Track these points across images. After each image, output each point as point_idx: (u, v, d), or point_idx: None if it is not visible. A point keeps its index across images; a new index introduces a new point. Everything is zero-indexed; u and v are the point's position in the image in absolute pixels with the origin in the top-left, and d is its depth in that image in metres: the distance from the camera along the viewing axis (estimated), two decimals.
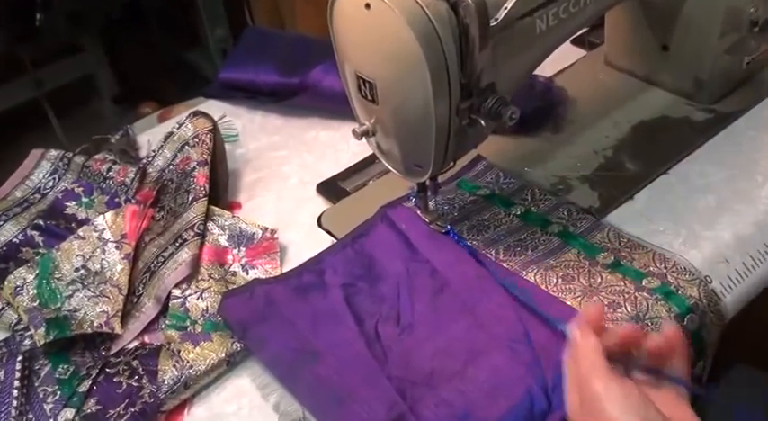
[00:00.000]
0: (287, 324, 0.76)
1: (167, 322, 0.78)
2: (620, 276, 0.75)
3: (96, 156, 0.99)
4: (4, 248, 0.88)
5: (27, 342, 0.79)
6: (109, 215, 0.89)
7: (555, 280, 0.76)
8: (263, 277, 0.83)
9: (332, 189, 0.94)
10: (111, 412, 0.72)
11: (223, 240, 0.87)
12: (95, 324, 0.79)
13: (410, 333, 0.74)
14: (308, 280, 0.80)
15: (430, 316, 0.75)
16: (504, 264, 0.79)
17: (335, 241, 0.86)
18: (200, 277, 0.82)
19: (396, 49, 0.66)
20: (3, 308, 0.83)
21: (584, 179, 0.89)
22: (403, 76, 0.67)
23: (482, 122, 0.70)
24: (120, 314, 0.80)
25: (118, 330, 0.79)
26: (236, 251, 0.86)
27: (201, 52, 2.33)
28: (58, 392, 0.75)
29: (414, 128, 0.70)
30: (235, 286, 0.82)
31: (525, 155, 0.94)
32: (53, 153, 0.98)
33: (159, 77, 2.31)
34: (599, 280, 0.75)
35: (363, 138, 0.75)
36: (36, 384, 0.76)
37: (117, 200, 0.93)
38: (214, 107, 1.10)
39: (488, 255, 0.80)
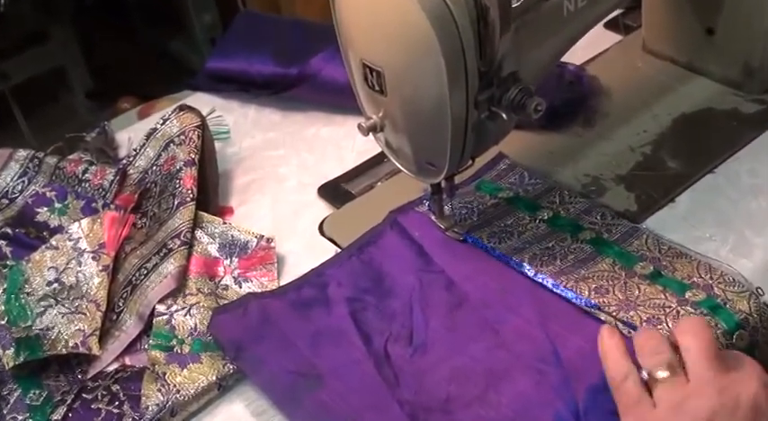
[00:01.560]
0: (285, 343, 0.76)
1: (151, 342, 0.79)
2: (660, 288, 0.76)
3: (70, 157, 1.01)
4: None
5: None
6: (85, 222, 0.90)
7: (587, 292, 0.76)
8: (259, 291, 0.84)
9: (335, 192, 0.95)
10: None
11: (213, 250, 0.88)
12: (71, 344, 0.80)
13: (424, 353, 0.75)
14: (309, 294, 0.81)
15: (446, 334, 0.76)
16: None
17: (339, 251, 0.87)
18: (187, 291, 0.83)
19: (406, 34, 0.67)
20: None
21: (619, 179, 0.90)
22: (414, 64, 0.68)
23: (504, 115, 0.71)
24: (98, 333, 0.81)
25: (96, 351, 0.80)
26: (227, 262, 0.87)
27: (187, 41, 2.35)
28: (30, 420, 0.76)
29: (427, 122, 0.71)
30: (226, 301, 0.83)
31: (553, 152, 0.95)
32: (22, 153, 0.99)
33: (139, 69, 2.33)
34: (636, 292, 0.76)
35: (370, 134, 0.76)
36: (5, 412, 0.77)
37: (94, 205, 0.94)
38: (202, 101, 1.10)
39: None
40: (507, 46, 0.69)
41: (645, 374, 0.62)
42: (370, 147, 0.96)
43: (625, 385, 0.62)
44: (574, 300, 0.75)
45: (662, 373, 0.61)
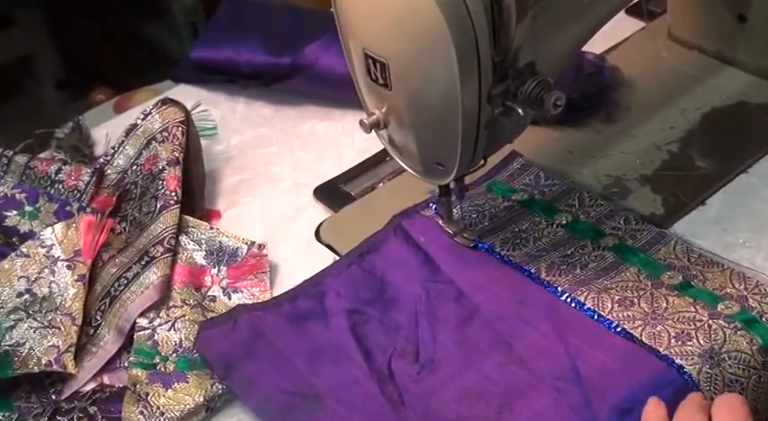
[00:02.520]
0: (280, 360, 0.76)
1: (132, 359, 0.79)
2: (690, 300, 0.76)
3: (42, 155, 1.01)
4: None
5: None
6: (58, 227, 0.90)
7: (610, 305, 0.76)
8: (250, 302, 0.84)
9: (333, 194, 0.96)
10: None
11: (199, 257, 0.88)
12: (44, 361, 0.80)
13: (431, 370, 0.75)
14: (306, 306, 0.81)
15: (455, 349, 0.76)
16: None
17: (338, 258, 0.87)
18: (171, 303, 0.83)
19: (413, 21, 0.66)
20: None
21: (644, 180, 0.90)
22: (422, 55, 0.68)
23: (519, 111, 0.71)
24: (73, 349, 0.81)
25: (71, 369, 0.80)
26: (215, 271, 0.87)
27: (166, 26, 2.34)
28: None
29: (435, 118, 0.71)
30: (214, 314, 0.83)
31: (571, 150, 0.95)
32: None
33: (114, 57, 2.32)
34: (664, 304, 0.76)
35: (372, 130, 0.76)
36: None
37: (68, 208, 0.94)
38: (186, 93, 1.10)
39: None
40: (524, 35, 0.69)
41: None
42: (371, 144, 0.96)
43: None
44: (595, 319, 0.76)
45: None
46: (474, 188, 0.89)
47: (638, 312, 0.76)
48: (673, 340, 0.73)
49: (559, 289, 0.78)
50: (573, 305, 0.77)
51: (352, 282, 0.83)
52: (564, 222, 0.85)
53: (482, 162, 0.77)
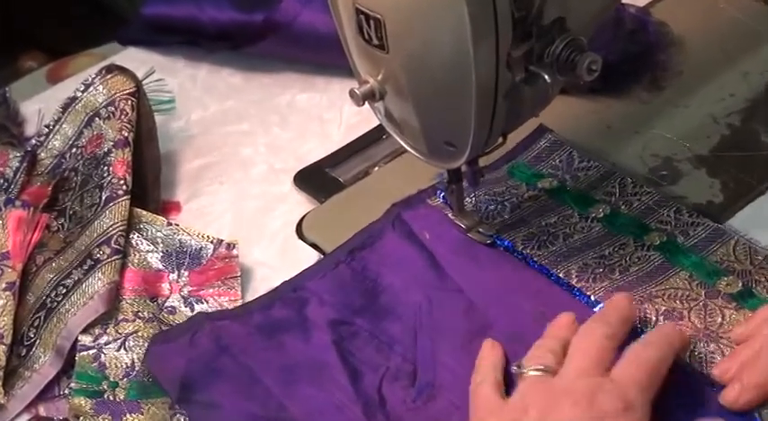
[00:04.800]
0: (248, 380, 0.77)
1: (73, 385, 0.79)
2: (751, 313, 0.75)
3: None
4: None
5: None
6: None
7: (654, 318, 0.76)
8: None
9: (317, 180, 0.96)
10: None
11: (155, 260, 0.88)
12: None
13: (431, 397, 0.75)
14: (282, 315, 0.81)
15: (462, 371, 0.75)
16: None
17: (323, 257, 0.87)
18: (121, 317, 0.83)
19: None
20: None
21: (698, 161, 0.90)
22: (426, 9, 0.67)
23: (546, 77, 0.71)
24: (1, 373, 0.81)
25: None
26: (174, 276, 0.87)
27: None
28: None
29: (443, 87, 0.71)
30: None
31: (610, 125, 0.95)
32: None
33: (48, 15, 2.32)
34: (719, 319, 0.75)
35: (366, 102, 0.75)
36: None
37: None
38: (136, 59, 1.11)
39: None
40: None
41: (515, 368, 0.70)
42: (363, 118, 0.96)
43: (478, 389, 0.71)
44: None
45: (533, 372, 0.69)
46: (491, 172, 0.89)
47: (687, 327, 0.75)
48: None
49: (593, 297, 0.78)
50: None
51: (340, 286, 0.83)
52: (601, 215, 0.85)
53: (500, 140, 0.77)
